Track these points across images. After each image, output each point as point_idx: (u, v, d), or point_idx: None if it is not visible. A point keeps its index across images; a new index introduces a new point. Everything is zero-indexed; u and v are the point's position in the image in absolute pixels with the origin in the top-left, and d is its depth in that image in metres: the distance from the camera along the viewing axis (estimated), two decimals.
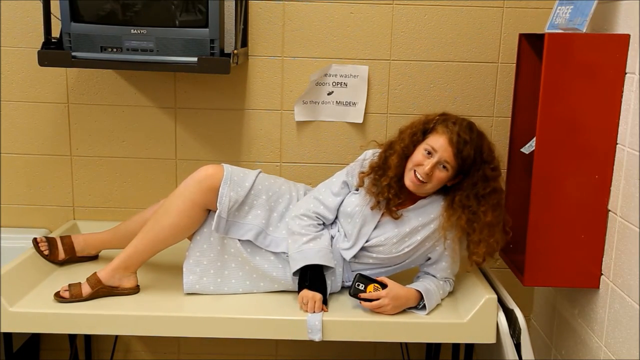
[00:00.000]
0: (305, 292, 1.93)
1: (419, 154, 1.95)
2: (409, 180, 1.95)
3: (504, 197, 2.01)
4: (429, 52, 2.42)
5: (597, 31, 2.05)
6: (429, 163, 1.91)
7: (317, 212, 2.04)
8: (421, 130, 1.99)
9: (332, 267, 1.99)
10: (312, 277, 1.95)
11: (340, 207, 2.06)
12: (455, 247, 2.01)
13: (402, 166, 1.98)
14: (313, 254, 1.96)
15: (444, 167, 1.92)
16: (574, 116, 1.93)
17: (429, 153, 1.93)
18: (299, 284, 1.98)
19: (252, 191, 2.04)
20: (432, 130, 1.97)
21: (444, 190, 2.01)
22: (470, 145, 1.92)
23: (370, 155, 2.08)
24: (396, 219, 2.00)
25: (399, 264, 2.06)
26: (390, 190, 1.97)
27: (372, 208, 2.00)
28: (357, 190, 2.06)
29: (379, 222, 2.02)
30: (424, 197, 2.02)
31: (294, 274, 1.98)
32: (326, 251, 1.99)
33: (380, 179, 1.99)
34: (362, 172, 2.04)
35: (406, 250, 2.01)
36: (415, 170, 1.94)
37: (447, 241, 1.99)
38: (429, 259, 2.06)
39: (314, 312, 1.90)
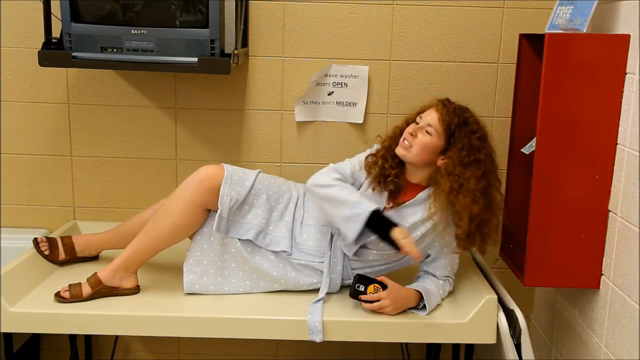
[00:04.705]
0: (399, 232, 1.89)
1: (408, 127, 2.03)
2: (398, 148, 2.01)
3: (495, 176, 1.99)
4: (429, 52, 2.42)
5: (597, 31, 2.05)
6: (413, 127, 2.00)
7: (335, 168, 2.06)
8: (416, 113, 2.06)
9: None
10: (383, 219, 1.93)
11: None
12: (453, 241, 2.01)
13: (395, 140, 2.05)
14: (366, 202, 1.93)
15: (428, 132, 1.96)
16: (574, 116, 1.93)
17: (417, 123, 2.01)
18: (373, 229, 1.92)
19: (253, 191, 2.04)
20: (426, 110, 2.04)
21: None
22: (455, 112, 1.98)
23: (369, 152, 2.11)
24: (396, 206, 2.01)
25: (399, 260, 2.06)
26: (386, 162, 2.02)
27: (373, 189, 2.02)
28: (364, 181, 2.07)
29: None
30: (423, 189, 2.03)
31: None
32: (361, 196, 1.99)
33: (377, 154, 2.06)
34: (367, 163, 2.07)
35: None
36: (403, 138, 2.01)
37: (446, 230, 1.99)
38: (429, 256, 2.06)
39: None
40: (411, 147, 1.98)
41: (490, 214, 1.96)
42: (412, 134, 1.98)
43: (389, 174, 2.01)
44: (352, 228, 1.90)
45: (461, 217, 1.92)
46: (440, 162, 1.98)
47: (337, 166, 2.07)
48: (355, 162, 2.09)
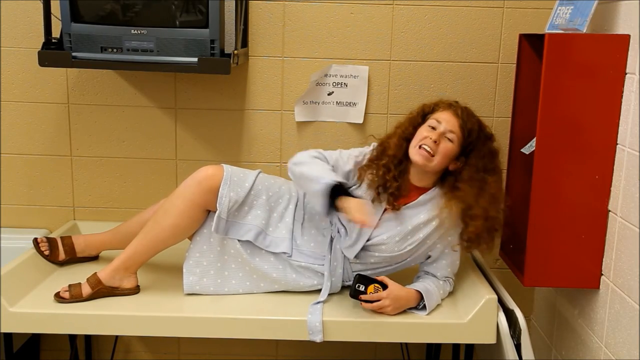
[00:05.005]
0: (354, 202, 1.85)
1: (422, 131, 1.97)
2: (416, 155, 1.95)
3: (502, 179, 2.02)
4: (429, 52, 2.42)
5: (597, 31, 2.05)
6: (435, 134, 1.94)
7: (317, 150, 2.05)
8: (420, 115, 2.03)
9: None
10: (345, 192, 1.90)
11: None
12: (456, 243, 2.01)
13: (401, 147, 2.00)
14: (329, 176, 1.90)
15: (449, 139, 1.94)
16: (574, 116, 1.94)
17: (434, 128, 1.96)
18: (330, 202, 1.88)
19: (252, 191, 2.04)
20: (433, 111, 2.01)
21: (443, 181, 2.02)
22: (473, 119, 1.97)
23: (369, 150, 2.09)
24: (397, 210, 1.99)
25: (400, 262, 2.06)
26: (388, 172, 1.98)
27: (373, 201, 1.99)
28: (358, 186, 2.06)
29: (380, 220, 2.01)
30: (426, 192, 2.02)
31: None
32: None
33: (379, 163, 2.01)
34: (362, 167, 2.04)
35: (409, 248, 2.01)
36: (421, 145, 1.95)
37: (449, 231, 1.98)
38: (429, 257, 2.06)
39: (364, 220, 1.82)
40: (433, 155, 1.94)
41: (499, 212, 1.98)
42: (436, 142, 1.93)
43: (390, 185, 1.98)
44: (318, 202, 1.90)
45: (475, 217, 1.92)
46: (452, 166, 1.98)
47: (322, 150, 2.05)
48: (345, 155, 2.07)
